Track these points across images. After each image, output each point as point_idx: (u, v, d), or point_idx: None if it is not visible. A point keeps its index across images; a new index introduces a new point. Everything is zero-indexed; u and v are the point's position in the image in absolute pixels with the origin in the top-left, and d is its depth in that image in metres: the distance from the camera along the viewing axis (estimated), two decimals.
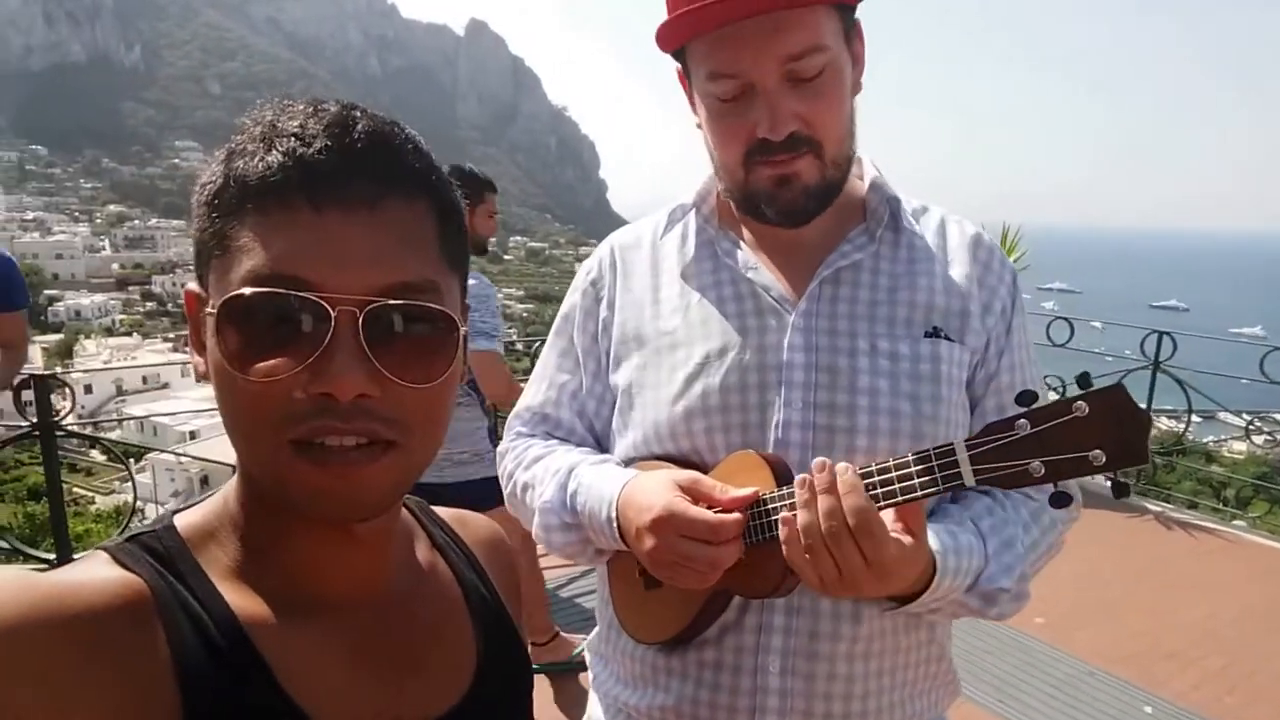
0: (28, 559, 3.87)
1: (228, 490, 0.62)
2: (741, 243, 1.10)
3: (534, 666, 2.70)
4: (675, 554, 0.91)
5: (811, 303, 1.03)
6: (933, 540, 0.91)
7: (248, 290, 0.52)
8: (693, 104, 1.05)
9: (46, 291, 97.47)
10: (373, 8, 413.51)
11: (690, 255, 1.11)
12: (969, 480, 0.78)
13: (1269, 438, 6.25)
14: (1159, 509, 5.08)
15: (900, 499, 0.82)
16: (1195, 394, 5.51)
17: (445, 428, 0.61)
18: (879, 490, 0.83)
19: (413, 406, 0.55)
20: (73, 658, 0.48)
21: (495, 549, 0.80)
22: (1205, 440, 10.55)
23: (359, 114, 0.55)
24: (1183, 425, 6.27)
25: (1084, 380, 0.74)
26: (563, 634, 3.13)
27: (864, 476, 0.84)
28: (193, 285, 0.58)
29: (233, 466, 0.61)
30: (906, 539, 0.85)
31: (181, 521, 0.60)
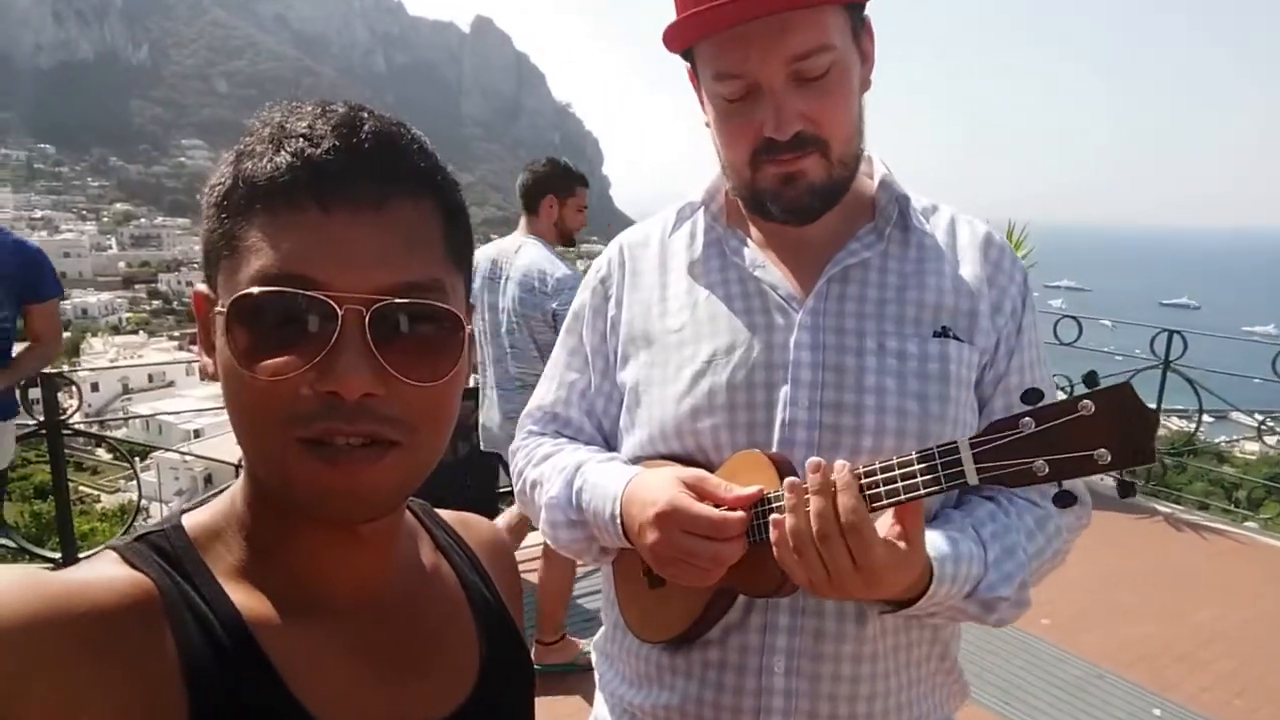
0: (34, 558, 3.89)
1: (234, 490, 0.62)
2: (749, 241, 1.09)
3: (537, 667, 2.70)
4: (678, 549, 0.91)
5: (819, 301, 1.03)
6: (931, 546, 0.90)
7: (256, 289, 0.52)
8: (702, 103, 1.04)
9: None
10: (379, 5, 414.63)
11: (698, 253, 1.10)
12: (972, 478, 0.78)
13: None
14: (1169, 510, 5.05)
15: (903, 497, 0.82)
16: (1206, 393, 5.47)
17: (450, 427, 0.61)
18: (881, 488, 0.82)
19: (418, 406, 0.56)
20: (82, 656, 0.48)
21: (497, 551, 0.81)
22: (1217, 441, 10.47)
23: (366, 115, 0.56)
24: (1194, 425, 6.21)
25: (1091, 379, 0.74)
26: (568, 636, 3.13)
27: (866, 475, 0.83)
28: (201, 286, 0.58)
29: (236, 466, 0.61)
30: (900, 544, 0.84)
31: (189, 521, 0.60)
